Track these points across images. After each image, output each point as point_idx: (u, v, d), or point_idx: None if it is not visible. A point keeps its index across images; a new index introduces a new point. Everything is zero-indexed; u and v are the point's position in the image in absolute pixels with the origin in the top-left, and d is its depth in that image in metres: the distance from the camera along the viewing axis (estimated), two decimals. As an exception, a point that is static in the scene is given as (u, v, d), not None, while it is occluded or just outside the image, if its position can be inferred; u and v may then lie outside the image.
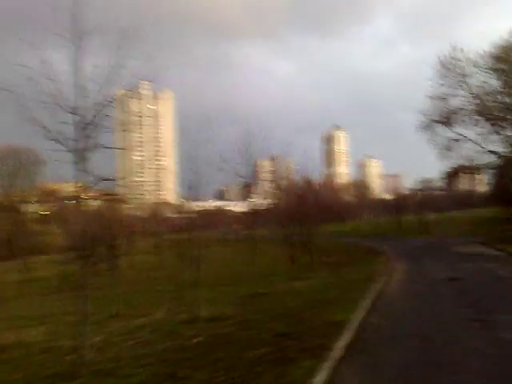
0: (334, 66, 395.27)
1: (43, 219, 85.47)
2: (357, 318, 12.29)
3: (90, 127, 9.14)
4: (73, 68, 9.20)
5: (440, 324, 11.56)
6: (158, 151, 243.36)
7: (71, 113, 9.11)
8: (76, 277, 28.24)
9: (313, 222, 34.83)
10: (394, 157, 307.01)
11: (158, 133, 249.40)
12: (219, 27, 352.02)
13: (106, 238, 57.74)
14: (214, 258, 47.68)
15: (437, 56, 39.57)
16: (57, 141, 9.05)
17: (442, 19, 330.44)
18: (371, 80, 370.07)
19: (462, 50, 38.55)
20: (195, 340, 11.15)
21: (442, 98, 40.49)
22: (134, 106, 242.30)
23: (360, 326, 11.52)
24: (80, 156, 9.05)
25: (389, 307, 14.19)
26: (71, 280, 32.68)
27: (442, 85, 39.77)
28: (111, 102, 9.50)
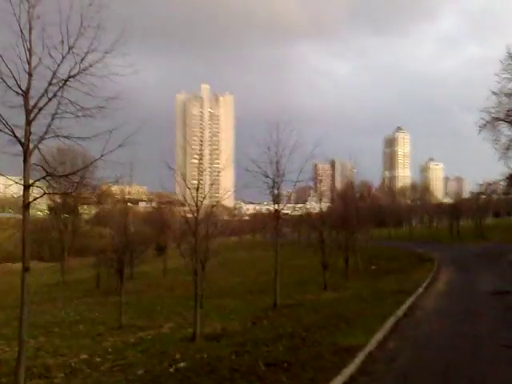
0: (396, 67, 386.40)
1: (98, 221, 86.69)
2: (373, 342, 10.43)
3: (43, 112, 7.75)
4: (22, 41, 7.75)
5: (472, 353, 9.52)
6: (216, 154, 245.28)
7: (20, 94, 7.74)
8: (107, 281, 27.73)
9: (358, 226, 33.04)
10: (457, 159, 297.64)
11: (217, 136, 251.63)
12: (279, 29, 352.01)
13: (151, 240, 57.74)
14: (256, 262, 46.59)
15: (506, 49, 36.66)
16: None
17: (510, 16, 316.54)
18: (435, 80, 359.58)
19: None
20: (180, 365, 9.69)
21: (509, 94, 37.53)
22: (195, 109, 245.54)
23: (373, 354, 9.64)
24: (28, 146, 7.67)
25: (416, 328, 12.16)
26: (102, 284, 32.58)
27: (509, 80, 36.84)
28: (67, 81, 7.97)
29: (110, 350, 12.25)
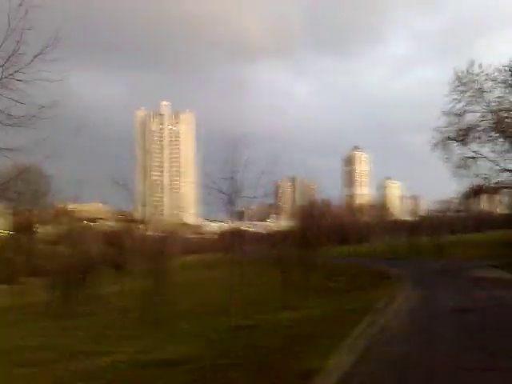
0: (352, 87, 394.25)
1: (54, 240, 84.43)
2: (330, 365, 10.12)
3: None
4: None
5: (428, 378, 9.25)
6: (177, 172, 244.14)
7: None
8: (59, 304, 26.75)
9: (318, 243, 32.93)
10: (413, 178, 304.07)
11: (178, 153, 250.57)
12: (236, 50, 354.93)
13: (110, 259, 56.50)
14: (218, 281, 45.89)
15: (454, 71, 37.84)
16: None
17: (460, 40, 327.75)
18: (388, 101, 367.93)
19: (480, 65, 36.91)
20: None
21: (458, 115, 38.77)
22: (155, 126, 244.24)
23: (327, 379, 9.29)
24: None
25: (373, 350, 11.85)
26: (55, 307, 31.47)
27: (459, 101, 38.05)
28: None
29: (55, 380, 11.52)
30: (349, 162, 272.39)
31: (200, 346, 14.57)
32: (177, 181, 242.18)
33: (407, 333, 14.17)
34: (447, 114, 38.86)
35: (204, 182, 20.07)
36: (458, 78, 38.02)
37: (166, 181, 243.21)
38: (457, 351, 11.27)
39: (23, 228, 79.19)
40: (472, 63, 37.22)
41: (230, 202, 18.94)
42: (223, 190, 18.91)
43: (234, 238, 20.92)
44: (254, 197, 19.60)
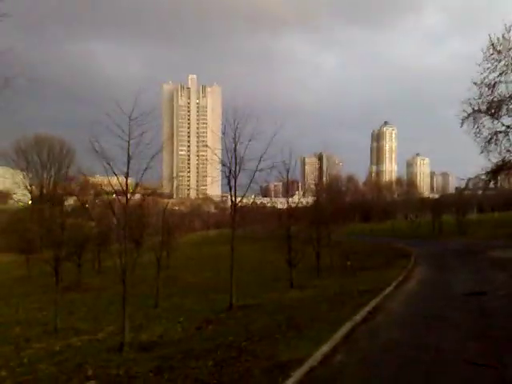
0: (382, 59, 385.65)
1: (78, 213, 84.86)
2: (318, 355, 9.03)
3: None
4: None
5: (429, 372, 8.15)
6: (203, 145, 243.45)
7: None
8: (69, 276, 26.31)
9: (334, 220, 31.84)
10: (444, 154, 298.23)
11: (204, 127, 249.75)
12: (263, 21, 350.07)
13: (128, 232, 56.48)
14: (236, 258, 45.21)
15: (488, 38, 35.23)
16: None
17: (495, 10, 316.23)
18: (421, 74, 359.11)
19: None
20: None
21: (491, 85, 36.18)
22: (182, 99, 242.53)
23: (313, 370, 8.25)
24: None
25: (372, 338, 10.75)
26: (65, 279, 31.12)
27: (492, 70, 35.41)
28: None
29: (25, 360, 10.84)
30: (378, 137, 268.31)
31: (191, 327, 13.81)
32: (204, 155, 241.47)
33: (409, 319, 12.99)
34: (479, 84, 36.36)
35: (206, 155, 19.21)
36: (493, 45, 35.32)
37: (192, 155, 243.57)
38: (456, 341, 10.16)
39: (47, 199, 79.62)
40: (509, 29, 34.40)
41: (231, 174, 17.93)
42: (225, 163, 17.95)
43: (235, 213, 19.87)
44: (259, 169, 18.53)
